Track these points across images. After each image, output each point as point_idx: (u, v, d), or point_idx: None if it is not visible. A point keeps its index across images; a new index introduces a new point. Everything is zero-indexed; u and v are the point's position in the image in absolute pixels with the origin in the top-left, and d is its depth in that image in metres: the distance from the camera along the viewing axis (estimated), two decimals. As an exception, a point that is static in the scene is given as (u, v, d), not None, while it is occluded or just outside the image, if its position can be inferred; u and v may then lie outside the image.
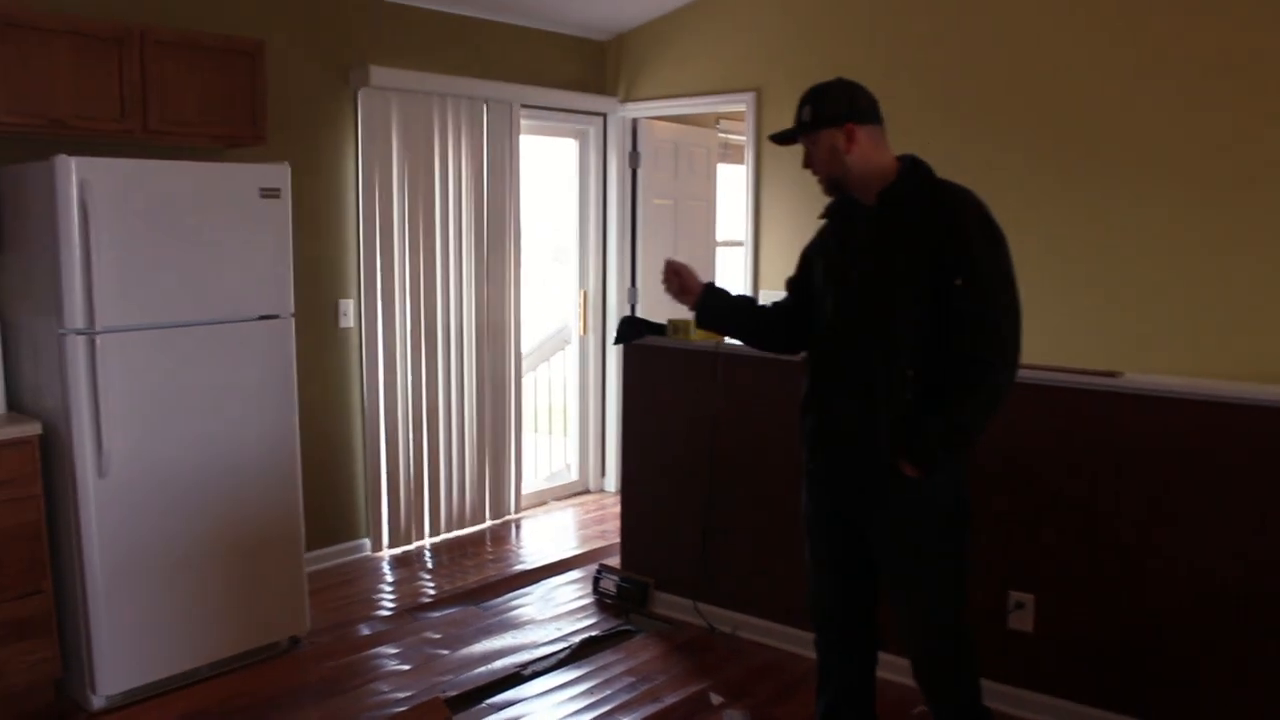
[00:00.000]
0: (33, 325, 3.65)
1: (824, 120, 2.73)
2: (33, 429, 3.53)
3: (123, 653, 3.63)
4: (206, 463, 3.80)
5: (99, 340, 3.48)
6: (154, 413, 3.65)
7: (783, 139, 2.85)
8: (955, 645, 2.83)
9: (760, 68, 5.69)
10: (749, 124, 5.77)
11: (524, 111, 5.79)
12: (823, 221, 2.95)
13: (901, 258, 2.65)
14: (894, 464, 2.66)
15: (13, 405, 3.74)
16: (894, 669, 3.28)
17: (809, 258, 2.98)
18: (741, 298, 3.13)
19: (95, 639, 3.57)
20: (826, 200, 2.90)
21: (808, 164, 2.81)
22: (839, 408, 2.78)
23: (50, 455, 3.58)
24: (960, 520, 2.76)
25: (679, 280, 3.06)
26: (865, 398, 2.70)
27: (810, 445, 2.88)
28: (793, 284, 3.04)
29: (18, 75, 3.63)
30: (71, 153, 3.42)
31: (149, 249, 3.59)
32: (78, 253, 3.42)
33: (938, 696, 2.86)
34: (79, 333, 3.46)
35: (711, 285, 3.08)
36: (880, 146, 2.75)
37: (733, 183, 6.79)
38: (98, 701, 3.64)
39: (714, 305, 3.06)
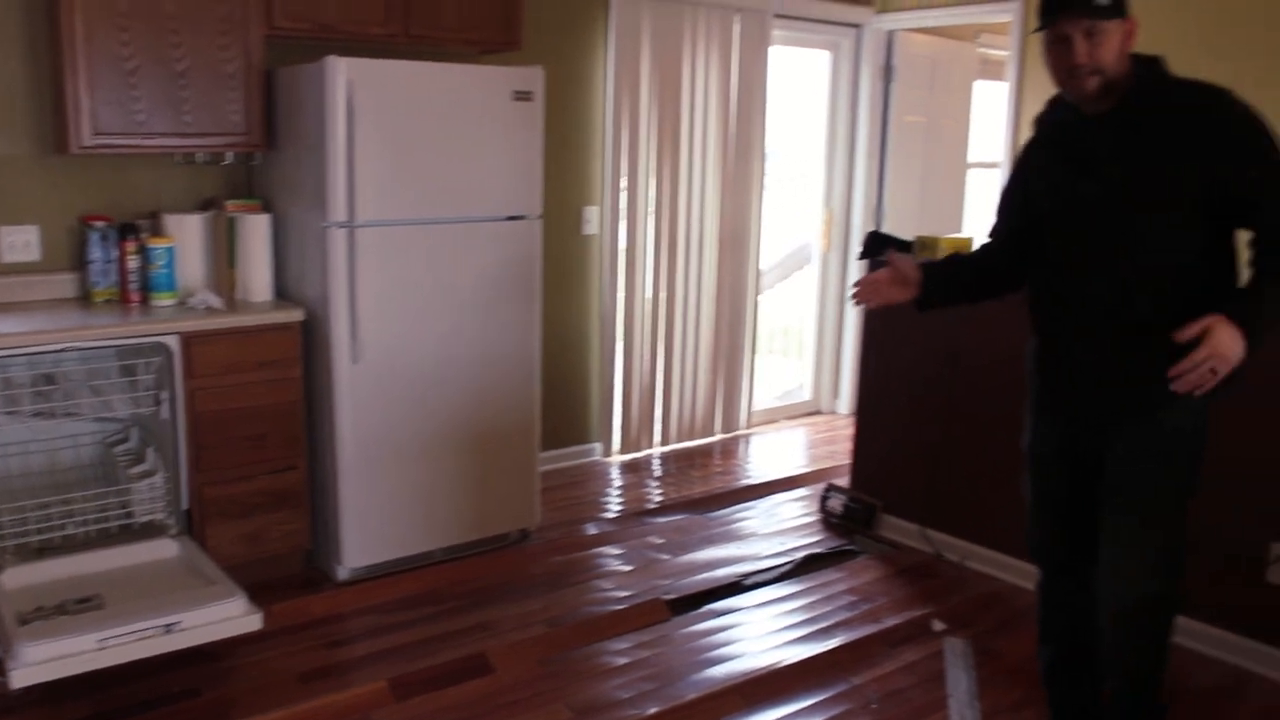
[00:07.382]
0: (299, 218, 3.86)
1: (1123, 7, 2.38)
2: (296, 315, 3.76)
3: (366, 530, 3.86)
4: (452, 356, 3.95)
5: (358, 233, 3.65)
6: (405, 305, 3.81)
7: (1087, 9, 2.34)
8: (1166, 600, 2.61)
9: (1030, -25, 5.35)
10: (1014, 36, 5.44)
11: (776, 22, 5.66)
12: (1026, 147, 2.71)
13: (1157, 167, 2.39)
14: (1152, 386, 2.40)
15: (279, 293, 3.99)
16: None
17: (1014, 189, 2.73)
18: (952, 262, 2.96)
19: (343, 515, 3.81)
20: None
21: (1080, 59, 2.35)
22: (1081, 334, 2.56)
23: (310, 341, 3.81)
24: (1200, 454, 2.54)
25: (885, 280, 2.80)
26: (1113, 322, 2.49)
27: (1044, 376, 2.71)
28: (998, 230, 2.82)
29: (292, -19, 3.80)
30: (339, 55, 3.57)
31: (407, 147, 3.72)
32: (343, 149, 3.58)
33: (1126, 661, 2.65)
34: (340, 225, 3.63)
35: (927, 265, 2.83)
36: None
37: (989, 101, 6.47)
38: (342, 573, 3.89)
39: (938, 288, 2.81)
